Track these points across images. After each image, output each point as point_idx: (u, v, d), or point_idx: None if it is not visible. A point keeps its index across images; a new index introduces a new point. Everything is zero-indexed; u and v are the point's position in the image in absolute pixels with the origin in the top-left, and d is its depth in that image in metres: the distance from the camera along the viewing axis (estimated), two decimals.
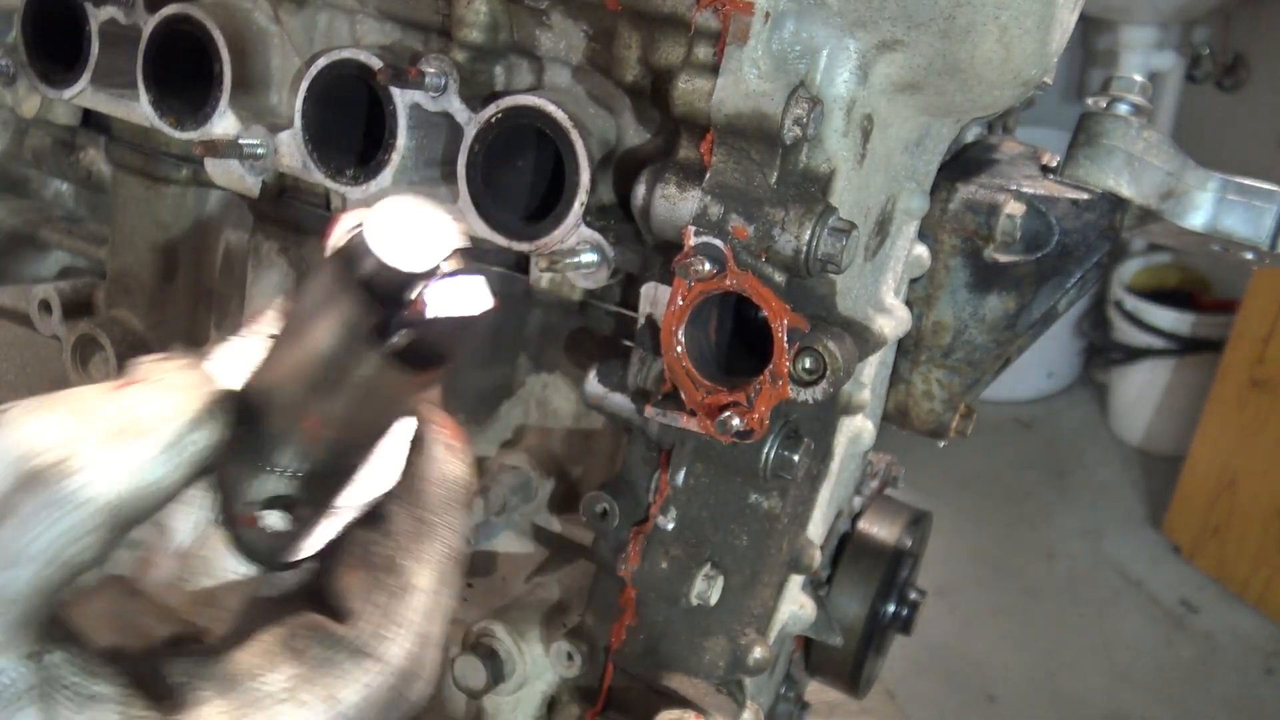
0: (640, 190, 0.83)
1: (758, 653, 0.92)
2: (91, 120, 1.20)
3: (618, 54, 0.86)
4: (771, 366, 0.78)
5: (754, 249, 0.78)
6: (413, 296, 0.46)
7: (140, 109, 1.02)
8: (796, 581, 0.96)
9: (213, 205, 1.19)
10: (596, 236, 0.87)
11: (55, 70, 1.07)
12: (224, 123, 1.00)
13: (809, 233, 0.76)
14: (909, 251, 0.95)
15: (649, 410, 0.84)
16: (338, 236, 0.47)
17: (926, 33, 0.75)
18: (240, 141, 0.98)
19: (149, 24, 0.99)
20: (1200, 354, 3.71)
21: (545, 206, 0.88)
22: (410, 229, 0.45)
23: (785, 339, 0.78)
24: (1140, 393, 3.96)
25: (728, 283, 0.79)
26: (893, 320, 0.91)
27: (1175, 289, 3.99)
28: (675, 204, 0.81)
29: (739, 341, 0.86)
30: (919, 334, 1.02)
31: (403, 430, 0.52)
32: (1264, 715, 3.05)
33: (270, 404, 0.48)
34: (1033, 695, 3.05)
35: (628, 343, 0.90)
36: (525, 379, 1.09)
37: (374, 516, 0.50)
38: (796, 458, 0.85)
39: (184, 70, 1.00)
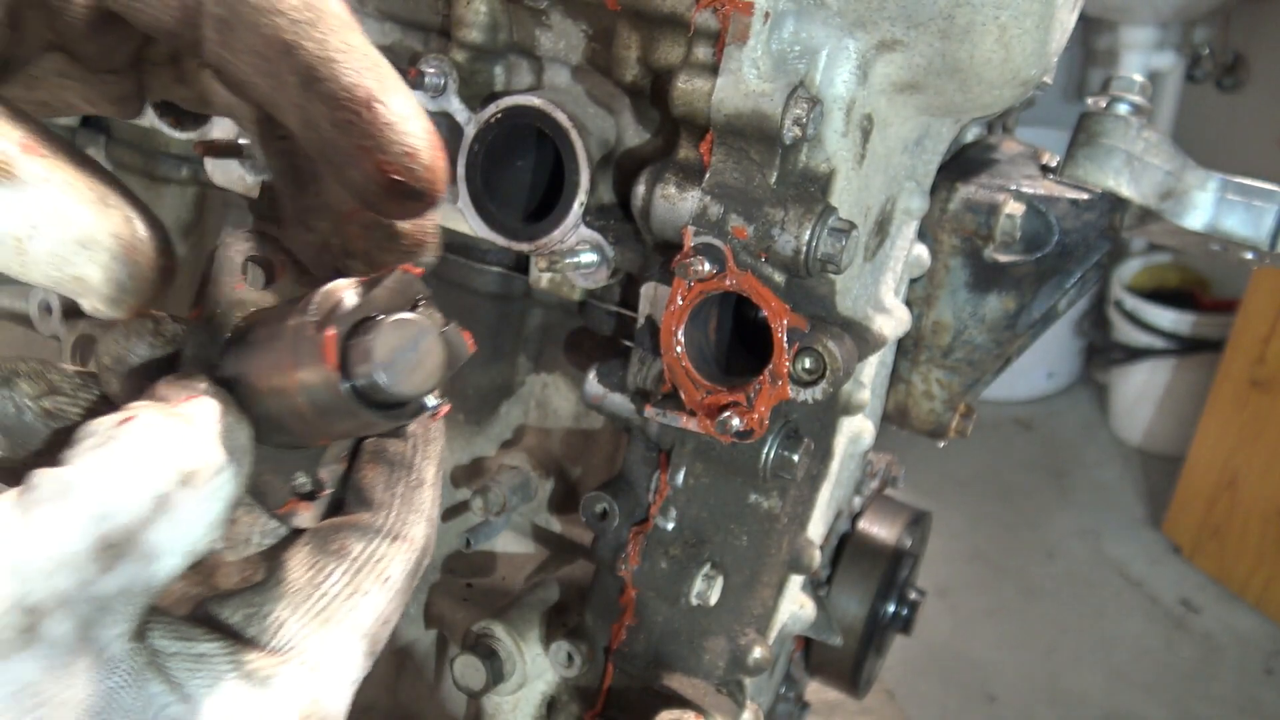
0: (640, 190, 0.83)
1: (758, 653, 0.92)
2: (91, 120, 1.20)
3: (617, 54, 0.86)
4: (771, 366, 0.78)
5: (754, 249, 0.78)
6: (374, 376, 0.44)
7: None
8: (796, 581, 0.96)
9: (212, 205, 1.19)
10: (596, 236, 0.87)
11: None
12: (223, 123, 1.00)
13: (809, 233, 0.76)
14: (909, 251, 0.95)
15: (649, 410, 0.84)
16: (336, 329, 0.44)
17: (926, 33, 0.75)
18: (240, 141, 0.98)
19: None
20: (1200, 354, 3.71)
21: (545, 207, 0.88)
22: (417, 354, 0.45)
23: (785, 339, 0.77)
24: (1140, 393, 3.96)
25: (727, 283, 0.79)
26: (893, 320, 0.91)
27: (1175, 289, 3.99)
28: (675, 204, 0.81)
29: (739, 341, 0.86)
30: (919, 334, 1.02)
31: None
32: (1264, 715, 3.05)
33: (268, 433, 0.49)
34: (1032, 695, 3.05)
35: (627, 343, 0.90)
36: (525, 379, 1.09)
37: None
38: (796, 458, 0.85)
39: None
